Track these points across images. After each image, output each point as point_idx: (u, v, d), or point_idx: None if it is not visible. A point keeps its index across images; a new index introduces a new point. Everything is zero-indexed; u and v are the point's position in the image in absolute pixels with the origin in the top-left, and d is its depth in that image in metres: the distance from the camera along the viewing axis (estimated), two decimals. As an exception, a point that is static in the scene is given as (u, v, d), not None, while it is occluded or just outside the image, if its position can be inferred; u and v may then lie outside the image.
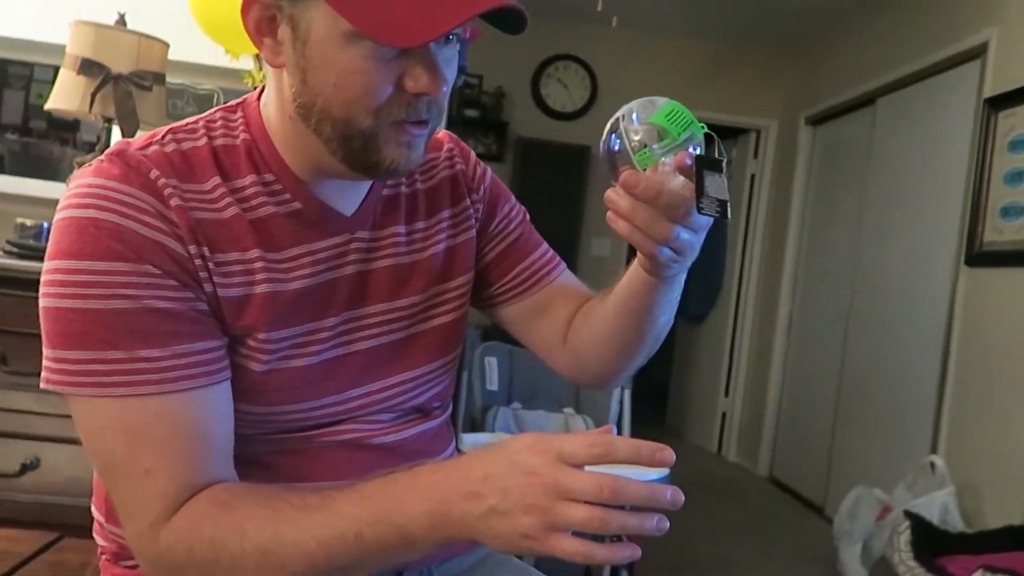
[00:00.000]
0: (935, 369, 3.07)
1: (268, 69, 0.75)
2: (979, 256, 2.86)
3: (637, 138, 0.67)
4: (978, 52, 3.04)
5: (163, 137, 0.73)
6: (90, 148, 1.93)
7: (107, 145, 1.86)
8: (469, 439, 2.18)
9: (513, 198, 0.96)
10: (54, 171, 2.29)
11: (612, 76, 4.72)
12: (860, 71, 3.94)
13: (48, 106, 1.79)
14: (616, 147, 0.68)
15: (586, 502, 0.54)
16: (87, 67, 1.74)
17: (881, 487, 2.94)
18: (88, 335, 0.65)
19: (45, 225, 1.80)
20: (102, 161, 0.69)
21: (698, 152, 0.66)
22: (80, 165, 1.81)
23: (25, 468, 1.61)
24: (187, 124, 0.76)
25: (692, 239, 0.71)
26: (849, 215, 3.96)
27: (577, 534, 0.56)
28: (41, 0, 2.25)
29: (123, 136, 1.79)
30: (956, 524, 2.55)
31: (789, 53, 4.74)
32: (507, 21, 0.69)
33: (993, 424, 2.70)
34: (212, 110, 0.79)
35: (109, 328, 0.65)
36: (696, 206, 0.65)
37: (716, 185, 0.65)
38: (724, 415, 4.98)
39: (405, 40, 0.64)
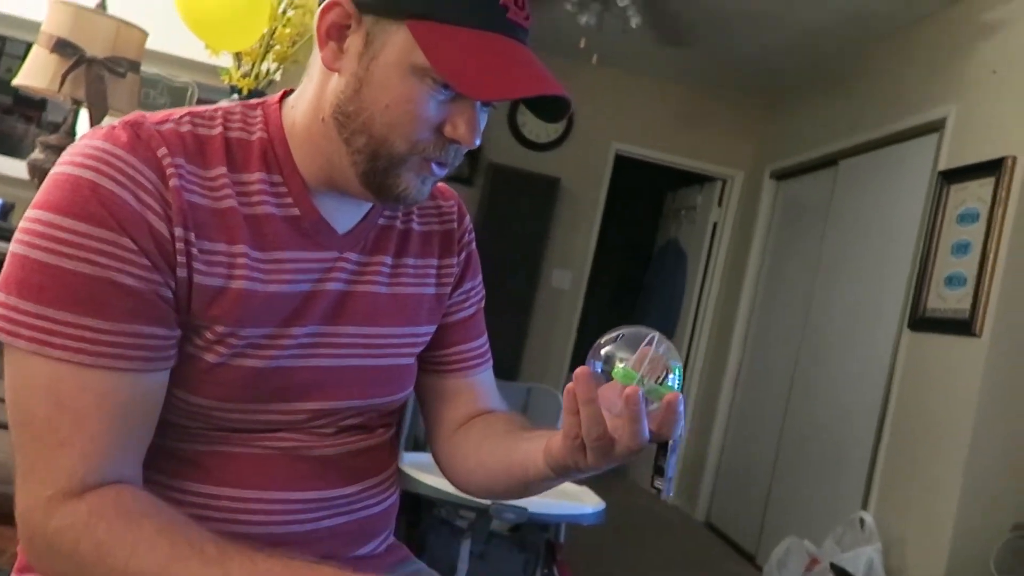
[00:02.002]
0: (872, 428, 3.15)
1: (313, 67, 0.76)
2: (922, 321, 2.95)
3: (645, 364, 0.68)
4: (937, 126, 3.16)
5: (180, 117, 0.74)
6: (55, 128, 1.90)
7: (73, 127, 1.84)
8: (410, 458, 2.17)
9: (480, 277, 0.98)
10: (15, 148, 2.25)
11: (588, 112, 4.80)
12: (826, 132, 4.07)
13: (16, 82, 1.77)
14: (620, 359, 0.69)
15: None
16: (61, 47, 1.72)
17: (812, 539, 3.00)
18: (45, 290, 0.64)
19: (0, 201, 1.77)
20: (115, 127, 0.70)
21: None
22: (44, 145, 1.78)
23: (-51, 448, 1.55)
24: (206, 111, 0.77)
25: (604, 463, 0.70)
26: (804, 270, 4.06)
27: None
28: (21, -25, 2.22)
29: (91, 120, 1.77)
30: (880, 581, 2.61)
31: (761, 107, 4.88)
32: (552, 109, 0.76)
33: (922, 485, 2.78)
34: (232, 103, 0.80)
35: (68, 289, 0.65)
36: (653, 483, 0.67)
37: (672, 466, 0.68)
38: (667, 456, 5.01)
39: (476, 93, 0.69)
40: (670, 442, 0.68)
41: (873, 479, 3.05)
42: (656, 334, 0.68)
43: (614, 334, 0.70)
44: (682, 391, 0.68)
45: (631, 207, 6.20)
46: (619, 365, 0.67)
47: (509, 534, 2.28)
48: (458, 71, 0.68)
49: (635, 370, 0.67)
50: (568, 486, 2.21)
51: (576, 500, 2.07)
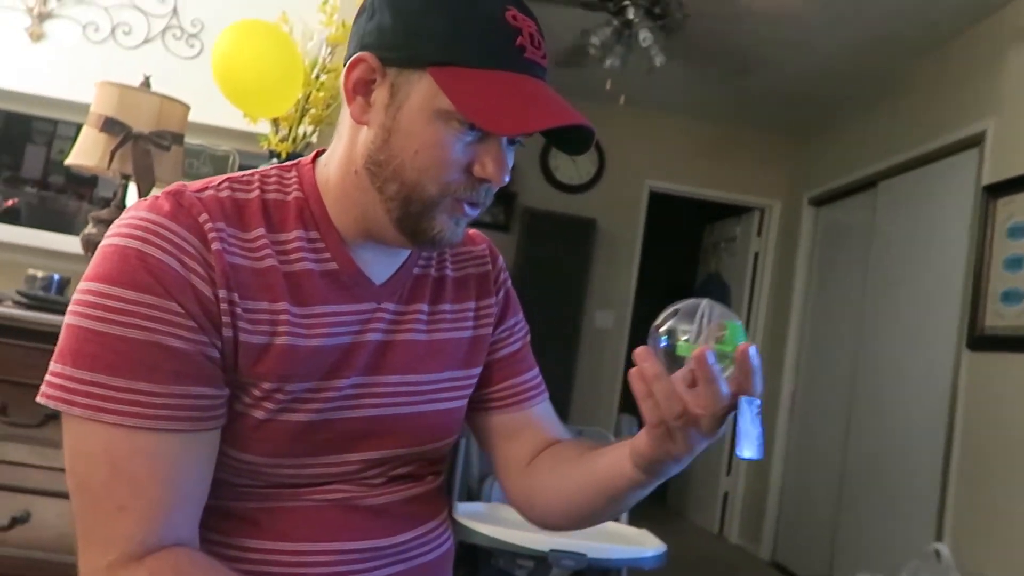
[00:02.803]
0: (939, 453, 3.03)
1: (343, 124, 0.79)
2: (981, 340, 2.86)
3: (703, 333, 0.67)
4: (976, 141, 3.11)
5: (220, 184, 0.77)
6: (106, 204, 1.97)
7: (123, 201, 1.90)
8: (464, 508, 2.14)
9: (521, 313, 0.99)
10: (69, 224, 2.33)
11: (619, 152, 4.83)
12: (862, 155, 4.02)
13: (68, 161, 1.84)
14: (683, 334, 0.68)
15: None
16: (109, 125, 1.79)
17: (885, 573, 2.87)
18: (99, 358, 0.66)
19: (56, 277, 1.83)
20: (158, 197, 0.73)
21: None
22: (95, 220, 1.84)
23: (15, 521, 1.58)
24: (243, 176, 0.79)
25: (695, 443, 0.69)
26: (852, 295, 3.98)
27: None
28: (68, 60, 2.33)
29: (139, 193, 1.83)
30: (962, 615, 2.48)
31: (793, 135, 4.85)
32: (576, 142, 0.78)
33: (1000, 511, 2.65)
34: (267, 167, 0.83)
35: (120, 355, 0.66)
36: (739, 451, 0.64)
37: (757, 423, 0.65)
38: (726, 495, 4.90)
39: (500, 129, 0.70)
40: (750, 399, 0.64)
41: (945, 508, 2.93)
42: (708, 301, 0.67)
43: (670, 311, 0.69)
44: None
45: (669, 243, 6.17)
46: (682, 339, 0.66)
47: (569, 582, 2.23)
48: (481, 110, 0.70)
49: (697, 340, 0.66)
50: (627, 530, 2.16)
51: (636, 544, 2.02)
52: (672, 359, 0.67)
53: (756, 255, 5.03)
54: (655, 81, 4.01)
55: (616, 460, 0.78)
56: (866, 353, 3.75)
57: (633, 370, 0.67)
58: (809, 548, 3.99)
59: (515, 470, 0.94)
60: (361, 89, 0.75)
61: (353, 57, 0.74)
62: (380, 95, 0.74)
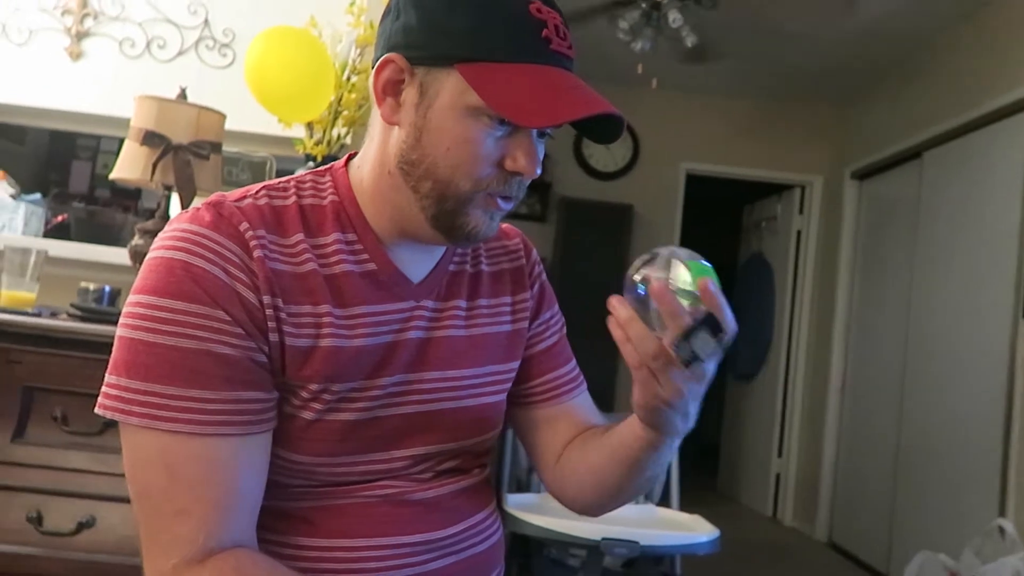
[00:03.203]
0: (998, 426, 2.95)
1: (373, 126, 0.80)
2: (1039, 309, 2.77)
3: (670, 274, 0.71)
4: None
5: (257, 192, 0.78)
6: (150, 215, 2.01)
7: (167, 212, 1.94)
8: (514, 500, 2.15)
9: (556, 305, 0.99)
10: (116, 237, 2.40)
11: (653, 136, 4.78)
12: (905, 125, 3.92)
13: (113, 176, 1.88)
14: (650, 277, 0.71)
15: None
16: (150, 138, 1.82)
17: (947, 552, 2.81)
18: (152, 368, 0.68)
19: (107, 289, 1.87)
20: (199, 209, 0.74)
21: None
22: (142, 231, 1.88)
23: (81, 527, 1.64)
24: (279, 183, 0.81)
25: (682, 387, 0.70)
26: (900, 270, 3.88)
27: None
28: (107, 76, 2.39)
29: (181, 203, 1.87)
30: (1030, 592, 2.41)
31: (831, 109, 4.75)
32: (607, 131, 0.78)
33: (1064, 485, 2.57)
34: (302, 172, 0.84)
35: (172, 364, 0.68)
36: (676, 341, 0.67)
37: (703, 342, 0.67)
38: (778, 476, 4.84)
39: (530, 122, 0.71)
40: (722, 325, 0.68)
41: (1008, 483, 2.85)
42: (671, 248, 0.72)
43: (639, 261, 0.73)
44: (717, 281, 0.69)
45: (709, 225, 6.09)
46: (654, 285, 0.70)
47: (623, 570, 2.23)
48: (510, 104, 0.70)
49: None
50: (680, 516, 2.14)
51: (689, 530, 2.00)
52: (648, 306, 0.70)
53: (799, 233, 4.94)
54: (687, 62, 3.96)
55: (627, 425, 0.81)
56: (917, 328, 3.66)
57: (609, 318, 0.70)
58: (867, 528, 3.92)
59: (550, 461, 0.95)
60: (390, 90, 0.75)
61: (381, 59, 0.75)
62: (409, 95, 0.75)
